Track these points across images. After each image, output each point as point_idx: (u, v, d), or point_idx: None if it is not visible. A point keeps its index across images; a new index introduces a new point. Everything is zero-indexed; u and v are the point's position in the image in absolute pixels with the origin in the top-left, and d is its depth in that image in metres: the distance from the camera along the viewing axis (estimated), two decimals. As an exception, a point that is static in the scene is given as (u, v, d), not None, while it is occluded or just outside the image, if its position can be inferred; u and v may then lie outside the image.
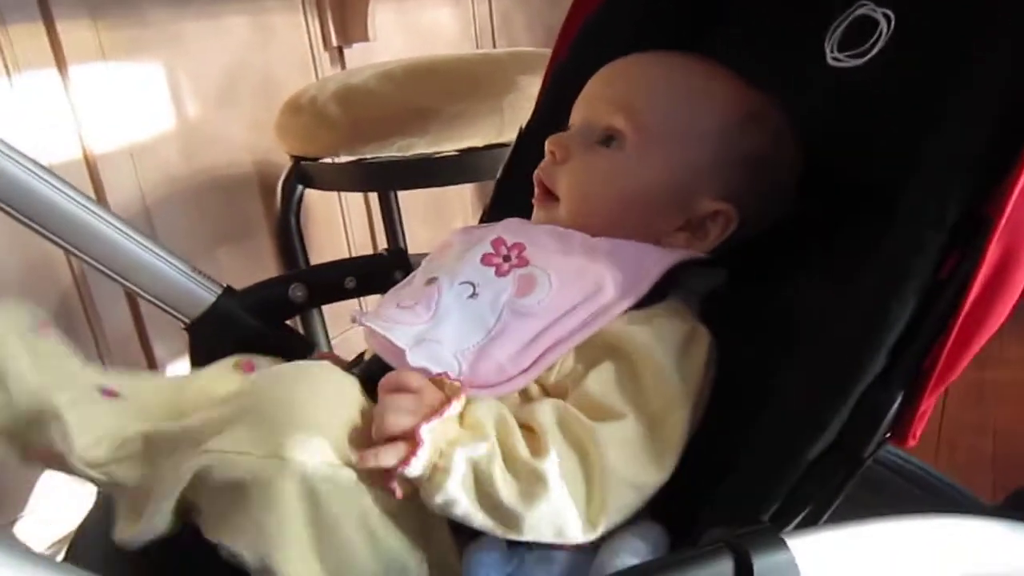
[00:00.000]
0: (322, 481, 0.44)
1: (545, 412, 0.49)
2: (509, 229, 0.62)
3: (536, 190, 0.64)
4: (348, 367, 0.64)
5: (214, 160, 1.41)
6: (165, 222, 1.33)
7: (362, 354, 0.63)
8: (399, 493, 0.45)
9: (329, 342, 1.23)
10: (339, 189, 1.36)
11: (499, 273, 0.58)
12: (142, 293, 0.72)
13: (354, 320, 0.59)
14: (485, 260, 0.59)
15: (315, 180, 1.15)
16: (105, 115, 1.23)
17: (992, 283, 0.44)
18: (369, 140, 1.05)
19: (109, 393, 0.55)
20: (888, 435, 0.46)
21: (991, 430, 1.33)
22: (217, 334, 0.76)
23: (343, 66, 1.60)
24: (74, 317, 1.22)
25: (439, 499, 0.45)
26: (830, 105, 0.64)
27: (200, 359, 0.76)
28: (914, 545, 0.44)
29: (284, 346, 0.78)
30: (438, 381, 0.49)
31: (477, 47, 1.97)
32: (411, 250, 1.53)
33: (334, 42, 1.57)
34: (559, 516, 0.47)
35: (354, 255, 1.66)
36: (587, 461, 0.48)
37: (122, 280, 0.71)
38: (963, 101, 0.47)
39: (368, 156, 1.06)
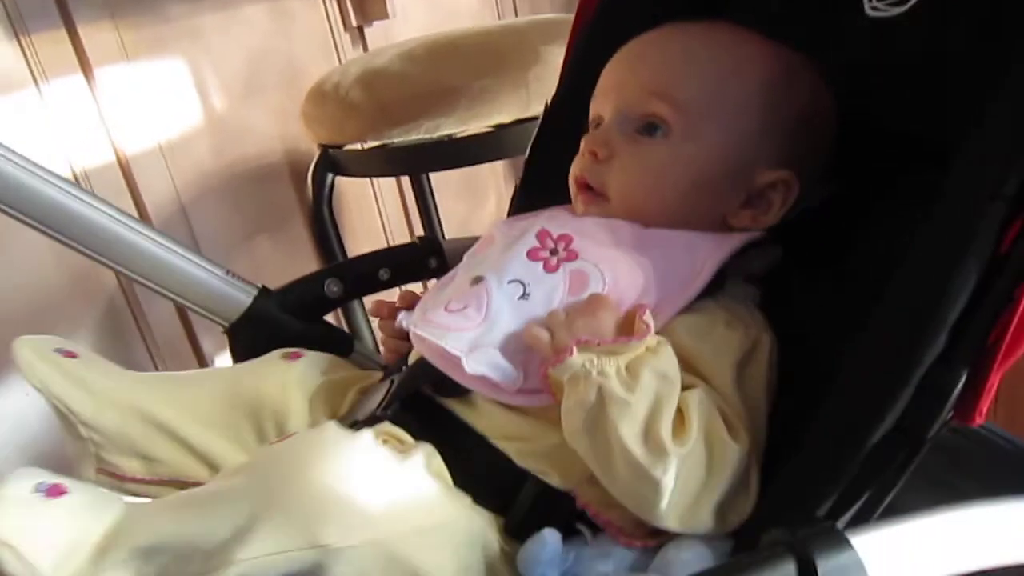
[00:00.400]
0: (369, 559, 0.43)
1: (695, 406, 0.49)
2: (554, 219, 0.60)
3: (576, 189, 0.61)
4: (390, 371, 0.64)
5: (244, 152, 1.41)
6: (201, 218, 1.33)
7: (406, 358, 0.62)
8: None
9: (372, 332, 1.23)
10: (369, 175, 1.35)
11: (548, 268, 0.56)
12: (179, 300, 0.73)
13: (399, 326, 0.58)
14: (532, 255, 0.57)
15: (345, 167, 1.14)
16: (134, 115, 1.23)
17: (1058, 252, 0.41)
18: (396, 124, 1.03)
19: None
20: (952, 415, 0.44)
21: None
22: (257, 334, 0.76)
23: (364, 46, 1.58)
24: (122, 319, 1.24)
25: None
26: (874, 59, 0.61)
27: (242, 360, 0.76)
28: (982, 534, 0.42)
29: (324, 342, 0.78)
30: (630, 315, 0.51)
31: (499, 15, 1.93)
32: (446, 227, 1.54)
33: (354, 22, 1.55)
34: (669, 489, 0.47)
35: (390, 238, 1.66)
36: (712, 472, 0.48)
37: (158, 288, 0.71)
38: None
39: (396, 140, 1.05)
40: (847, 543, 0.37)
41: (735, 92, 0.57)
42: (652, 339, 0.49)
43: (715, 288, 0.55)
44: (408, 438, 0.53)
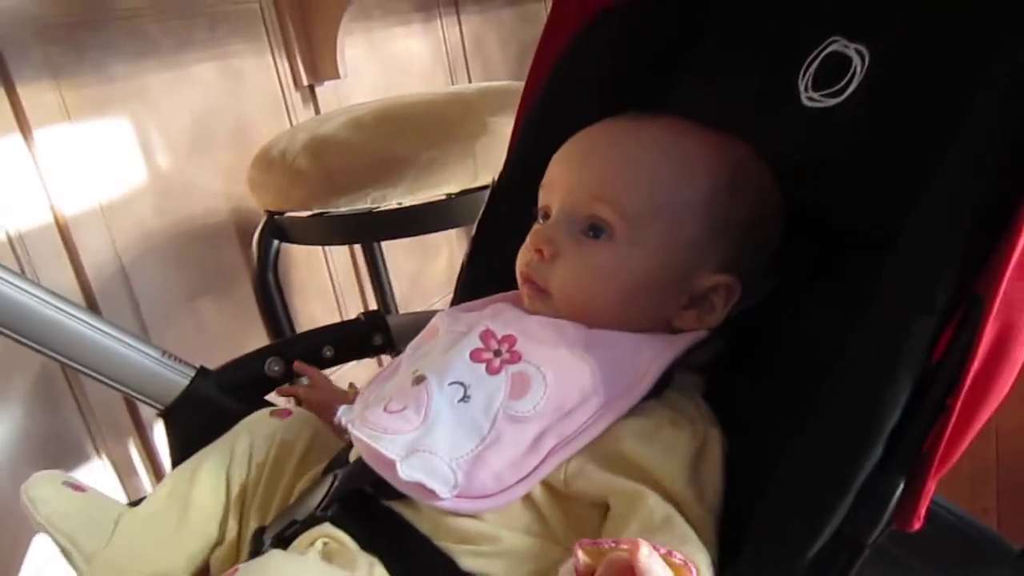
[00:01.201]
0: None
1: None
2: (498, 319, 0.59)
3: (524, 286, 0.61)
4: (332, 465, 0.62)
5: (189, 211, 1.39)
6: (143, 279, 1.30)
7: (347, 452, 0.61)
8: None
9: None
10: (316, 243, 1.33)
11: (490, 371, 0.55)
12: (113, 384, 0.70)
13: (339, 422, 0.56)
14: (475, 356, 0.56)
15: (291, 234, 1.13)
16: (74, 176, 1.20)
17: (990, 360, 0.41)
18: (343, 192, 1.02)
19: None
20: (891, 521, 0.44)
21: (994, 433, 1.31)
22: (193, 417, 0.74)
23: (315, 105, 1.58)
24: (55, 385, 1.19)
25: None
26: (810, 151, 0.62)
27: (178, 445, 0.74)
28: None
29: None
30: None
31: (450, 73, 1.95)
32: (396, 285, 1.53)
33: (305, 81, 1.55)
34: None
35: (340, 299, 1.64)
36: None
37: (89, 373, 0.69)
38: (951, 155, 0.45)
39: (343, 209, 1.04)
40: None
41: (679, 198, 0.57)
42: None
43: (661, 388, 0.55)
44: (350, 542, 0.51)
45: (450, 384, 0.54)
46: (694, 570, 0.41)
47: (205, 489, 0.62)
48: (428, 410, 0.53)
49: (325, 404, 0.69)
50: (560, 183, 0.60)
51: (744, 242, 0.58)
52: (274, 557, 0.48)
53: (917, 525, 0.45)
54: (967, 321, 0.41)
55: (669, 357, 0.54)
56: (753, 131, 0.62)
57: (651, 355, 0.54)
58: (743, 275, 0.58)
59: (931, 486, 0.44)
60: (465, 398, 0.54)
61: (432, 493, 0.50)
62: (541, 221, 0.62)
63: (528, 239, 0.60)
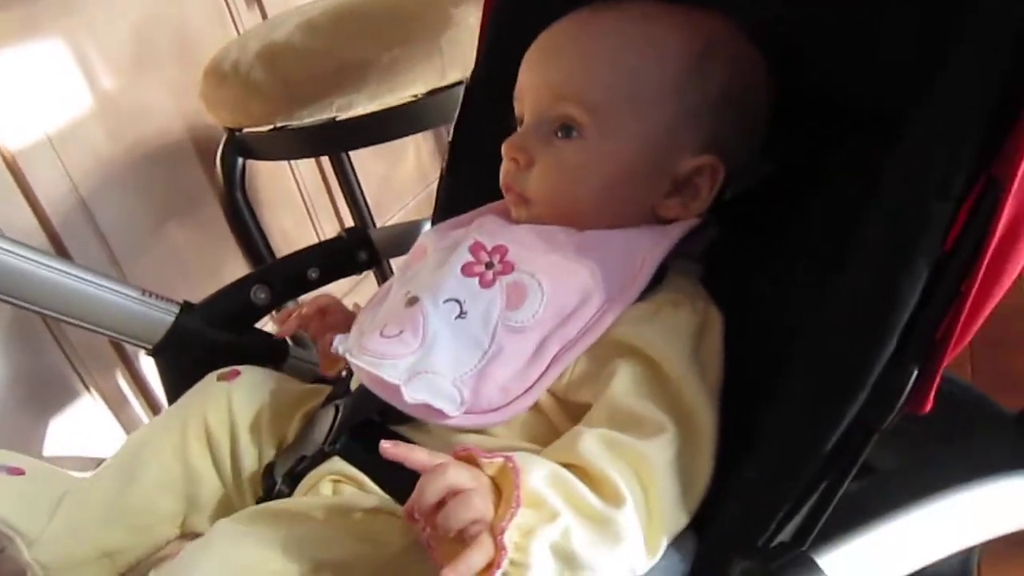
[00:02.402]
0: None
1: (592, 448, 0.45)
2: (486, 230, 0.58)
3: (507, 196, 0.60)
4: (333, 395, 0.61)
5: (143, 133, 1.31)
6: (105, 210, 1.24)
7: (348, 380, 0.60)
8: None
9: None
10: (281, 158, 1.28)
11: (484, 284, 0.54)
12: (96, 329, 0.68)
13: (336, 352, 0.55)
14: (466, 270, 0.55)
15: (255, 151, 1.08)
16: (13, 107, 1.12)
17: (1003, 246, 0.40)
18: (304, 104, 0.97)
19: None
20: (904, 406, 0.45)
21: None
22: (184, 354, 0.72)
23: (261, 9, 1.48)
24: (33, 326, 1.16)
25: None
26: (802, 18, 0.58)
27: (172, 382, 0.73)
28: (940, 528, 0.43)
29: (258, 352, 0.75)
30: (468, 458, 0.43)
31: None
32: (366, 188, 1.48)
33: (247, -19, 1.44)
34: (634, 553, 0.45)
35: (311, 211, 1.59)
36: (647, 494, 0.45)
37: (70, 320, 0.66)
38: (966, 33, 0.42)
39: (307, 120, 0.99)
40: (816, 568, 0.37)
41: (645, 84, 0.55)
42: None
43: (659, 279, 0.54)
44: (362, 476, 0.51)
45: (445, 302, 0.54)
46: (516, 471, 0.41)
47: (152, 466, 0.59)
48: (425, 331, 0.53)
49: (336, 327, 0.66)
50: (528, 89, 0.59)
51: (724, 119, 0.56)
52: (215, 537, 0.48)
53: (928, 407, 0.45)
54: (982, 205, 0.40)
55: (664, 248, 0.54)
56: (737, 5, 0.59)
57: (646, 248, 0.54)
58: (728, 155, 0.56)
59: (942, 368, 0.44)
60: (462, 314, 0.53)
61: (440, 413, 0.50)
62: (517, 130, 0.60)
63: (503, 149, 0.58)
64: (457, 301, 0.53)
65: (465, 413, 0.50)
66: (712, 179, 0.56)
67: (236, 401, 0.62)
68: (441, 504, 0.40)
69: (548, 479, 0.43)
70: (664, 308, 0.52)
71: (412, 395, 0.50)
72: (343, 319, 0.66)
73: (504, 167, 0.59)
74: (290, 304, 0.80)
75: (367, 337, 0.55)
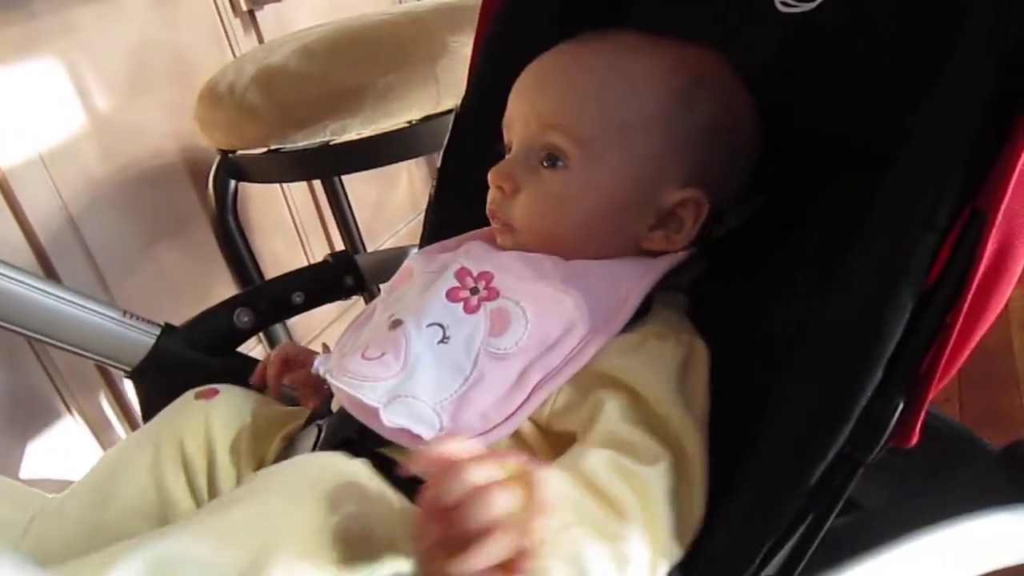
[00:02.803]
0: None
1: (599, 469, 0.45)
2: (473, 255, 0.58)
3: (493, 223, 0.60)
4: (315, 415, 0.60)
5: (135, 154, 1.31)
6: (94, 229, 1.24)
7: (329, 400, 0.59)
8: None
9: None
10: (274, 181, 1.28)
11: (468, 309, 0.53)
12: (74, 350, 0.67)
13: (316, 372, 0.54)
14: (451, 295, 0.54)
15: (248, 173, 1.07)
16: (6, 125, 1.12)
17: (987, 279, 0.41)
18: (300, 127, 0.97)
19: None
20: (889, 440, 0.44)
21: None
22: (163, 377, 0.71)
23: (257, 32, 1.49)
24: (16, 346, 1.15)
25: None
26: (789, 59, 0.59)
27: (150, 406, 0.71)
28: (925, 563, 0.42)
29: (239, 377, 0.74)
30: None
31: (399, -8, 1.85)
32: (358, 213, 1.48)
33: (244, 6, 1.45)
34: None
35: (302, 234, 1.59)
36: (650, 521, 0.45)
37: (49, 341, 0.65)
38: (952, 66, 0.42)
39: (301, 144, 0.99)
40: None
41: (632, 115, 0.56)
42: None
43: (644, 311, 0.54)
44: None
45: (428, 326, 0.53)
46: (537, 476, 0.39)
47: (124, 488, 0.57)
48: (407, 354, 0.52)
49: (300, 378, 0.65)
50: (516, 117, 0.59)
51: (710, 152, 0.57)
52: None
53: (913, 441, 0.45)
54: (966, 238, 0.40)
55: (650, 280, 0.54)
56: (726, 41, 0.60)
57: (632, 279, 0.53)
58: (714, 189, 0.56)
59: (928, 402, 0.44)
60: (444, 339, 0.52)
61: (418, 438, 0.49)
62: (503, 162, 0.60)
63: (489, 177, 0.59)
64: (441, 326, 0.53)
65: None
66: (696, 212, 0.56)
67: (214, 421, 0.60)
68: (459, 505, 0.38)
69: (566, 489, 0.43)
70: (649, 340, 0.52)
71: (391, 419, 0.49)
72: (307, 368, 0.64)
73: (491, 194, 0.59)
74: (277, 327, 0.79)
75: (348, 359, 0.54)
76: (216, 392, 0.63)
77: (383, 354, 0.52)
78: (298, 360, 0.66)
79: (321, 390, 0.63)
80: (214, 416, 0.61)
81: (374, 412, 0.49)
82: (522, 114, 0.59)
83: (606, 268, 0.54)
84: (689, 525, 0.46)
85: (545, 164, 0.57)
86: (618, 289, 0.53)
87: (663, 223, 0.57)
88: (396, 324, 0.54)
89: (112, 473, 0.59)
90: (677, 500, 0.46)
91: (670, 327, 0.53)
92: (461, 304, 0.54)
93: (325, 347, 0.63)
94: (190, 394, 0.64)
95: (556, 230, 0.57)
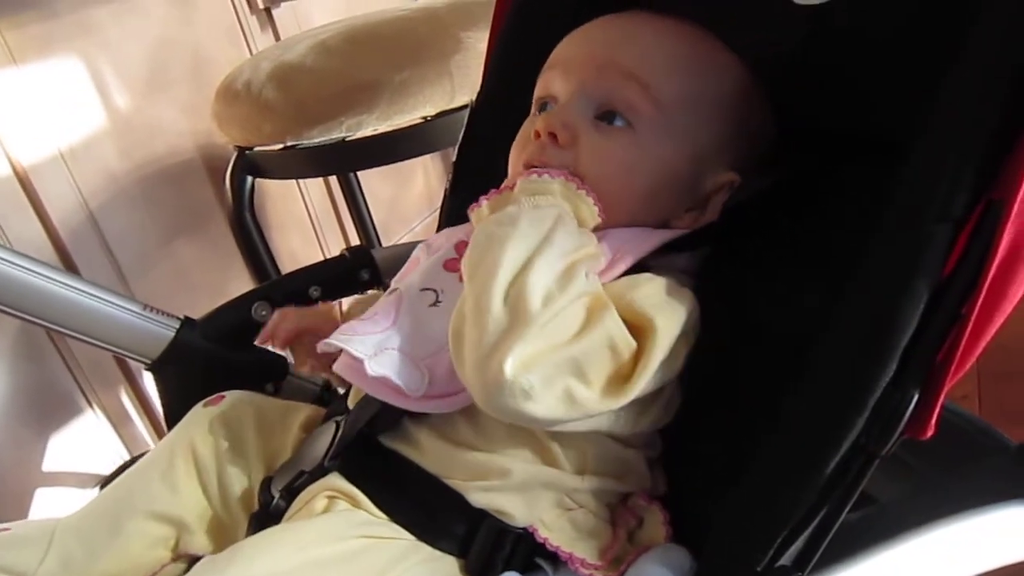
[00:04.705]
0: None
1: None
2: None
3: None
4: (333, 411, 0.61)
5: (154, 151, 1.33)
6: (114, 225, 1.26)
7: (347, 394, 0.60)
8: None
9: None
10: (291, 177, 1.29)
11: (463, 278, 0.53)
12: (95, 343, 0.68)
13: (321, 349, 0.55)
14: (448, 265, 0.55)
15: (264, 169, 1.08)
16: (28, 123, 1.14)
17: (1003, 269, 0.40)
18: (316, 123, 0.98)
19: None
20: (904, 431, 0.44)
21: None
22: (183, 369, 0.72)
23: (274, 29, 1.50)
24: (38, 340, 1.16)
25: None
26: (801, 51, 0.59)
27: (170, 398, 0.72)
28: (940, 557, 0.42)
29: (257, 369, 0.75)
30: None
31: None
32: (374, 210, 1.49)
33: (260, 4, 1.46)
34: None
35: (319, 230, 1.60)
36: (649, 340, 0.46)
37: (70, 333, 0.66)
38: (966, 56, 0.42)
39: (317, 140, 1.00)
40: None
41: (708, 94, 0.54)
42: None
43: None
44: (357, 493, 0.51)
45: (422, 290, 0.54)
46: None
47: (141, 494, 0.58)
48: (398, 313, 0.53)
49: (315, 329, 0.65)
50: (579, 62, 0.55)
51: (749, 141, 0.57)
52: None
53: (930, 433, 0.45)
54: (982, 228, 0.40)
55: (649, 245, 0.53)
56: (739, 33, 0.59)
57: (628, 241, 0.52)
58: (745, 175, 0.56)
59: (944, 394, 0.44)
60: (437, 303, 0.53)
61: (398, 390, 0.50)
62: (536, 112, 0.58)
63: (537, 124, 0.54)
64: (434, 291, 0.53)
65: (424, 396, 0.50)
66: (725, 195, 0.56)
67: (221, 423, 0.61)
68: None
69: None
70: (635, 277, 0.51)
71: (374, 368, 0.49)
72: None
73: (534, 145, 0.54)
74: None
75: (347, 324, 0.55)
76: (223, 397, 0.64)
77: (376, 314, 0.54)
78: (308, 330, 0.66)
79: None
80: (221, 419, 0.62)
81: (360, 365, 0.50)
82: (590, 58, 0.54)
83: (610, 236, 0.52)
84: (625, 388, 0.45)
85: (603, 120, 0.53)
86: (611, 251, 0.51)
87: (697, 204, 0.56)
88: (393, 291, 0.56)
89: (129, 481, 0.60)
90: (670, 355, 0.46)
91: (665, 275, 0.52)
92: (457, 274, 0.54)
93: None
94: (199, 405, 0.64)
95: (618, 195, 0.52)
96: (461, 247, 0.55)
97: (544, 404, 0.42)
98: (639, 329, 0.47)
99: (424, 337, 0.51)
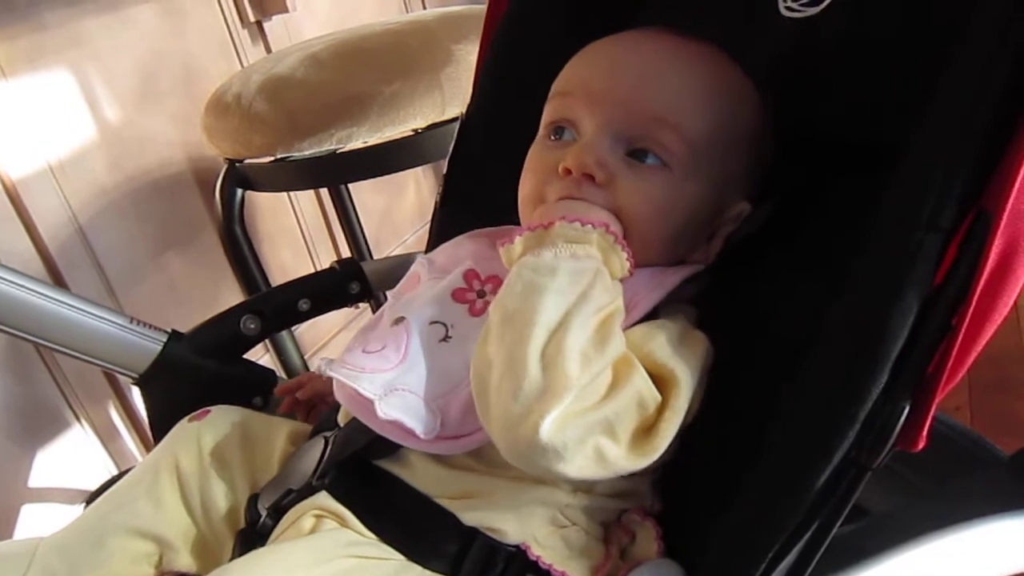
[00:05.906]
0: None
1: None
2: (482, 258, 0.57)
3: None
4: (321, 427, 0.60)
5: (144, 164, 1.32)
6: (103, 238, 1.25)
7: (336, 412, 0.59)
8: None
9: (305, 362, 1.18)
10: (281, 190, 1.28)
11: (473, 312, 0.53)
12: (82, 357, 0.67)
13: (319, 371, 0.54)
14: (457, 296, 0.54)
15: (255, 182, 1.08)
16: (16, 135, 1.13)
17: (993, 280, 0.40)
18: (305, 136, 0.97)
19: None
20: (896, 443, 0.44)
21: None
22: (170, 383, 0.71)
23: (265, 42, 1.50)
24: (25, 355, 1.15)
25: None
26: (791, 63, 0.59)
27: (157, 412, 0.72)
28: (932, 570, 0.41)
29: (244, 382, 0.74)
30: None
31: (405, 6, 1.86)
32: (365, 222, 1.48)
33: (251, 17, 1.47)
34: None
35: (309, 242, 1.59)
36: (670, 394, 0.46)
37: (56, 348, 0.66)
38: (956, 66, 0.42)
39: (308, 152, 0.99)
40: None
41: (733, 130, 0.54)
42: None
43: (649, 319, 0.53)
44: (346, 512, 0.50)
45: (431, 323, 0.53)
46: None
47: (124, 511, 0.57)
48: (408, 348, 0.52)
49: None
50: (602, 96, 0.53)
51: (763, 166, 0.57)
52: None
53: (921, 445, 0.45)
54: (972, 238, 0.40)
55: (663, 291, 0.52)
56: (730, 45, 0.59)
57: (643, 286, 0.52)
58: (753, 201, 0.56)
59: (935, 406, 0.43)
60: (446, 338, 0.52)
61: (410, 433, 0.49)
62: (552, 138, 0.56)
63: (568, 161, 0.52)
64: (443, 324, 0.52)
65: (436, 438, 0.49)
66: (735, 225, 0.55)
67: (205, 438, 0.60)
68: None
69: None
70: (652, 326, 0.51)
71: (385, 411, 0.48)
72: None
73: (566, 181, 0.52)
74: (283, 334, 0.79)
75: (349, 353, 0.54)
76: (207, 412, 0.64)
77: (384, 347, 0.52)
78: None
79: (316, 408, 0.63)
80: (205, 433, 0.61)
81: (369, 404, 0.49)
82: (614, 93, 0.52)
83: (627, 281, 0.51)
84: (651, 441, 0.45)
85: (635, 157, 0.52)
86: (627, 294, 0.51)
87: (710, 237, 0.55)
88: (399, 320, 0.54)
89: (112, 498, 0.59)
90: (644, 406, 0.46)
91: (673, 319, 0.52)
92: (467, 306, 0.53)
93: None
94: (184, 420, 0.63)
95: (650, 236, 0.52)
96: (471, 276, 0.55)
97: (575, 464, 0.43)
98: (661, 380, 0.47)
99: (436, 376, 0.50)
